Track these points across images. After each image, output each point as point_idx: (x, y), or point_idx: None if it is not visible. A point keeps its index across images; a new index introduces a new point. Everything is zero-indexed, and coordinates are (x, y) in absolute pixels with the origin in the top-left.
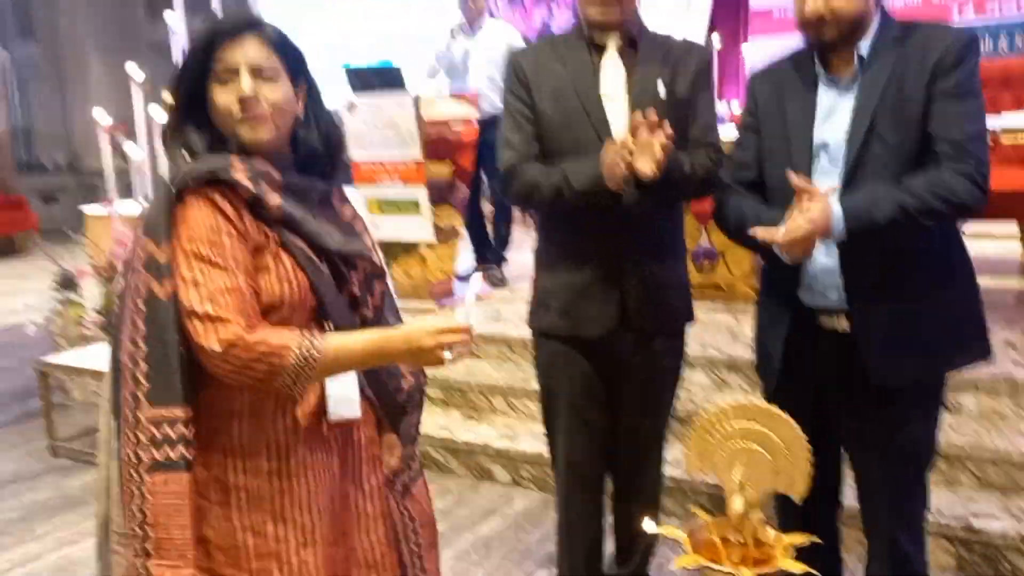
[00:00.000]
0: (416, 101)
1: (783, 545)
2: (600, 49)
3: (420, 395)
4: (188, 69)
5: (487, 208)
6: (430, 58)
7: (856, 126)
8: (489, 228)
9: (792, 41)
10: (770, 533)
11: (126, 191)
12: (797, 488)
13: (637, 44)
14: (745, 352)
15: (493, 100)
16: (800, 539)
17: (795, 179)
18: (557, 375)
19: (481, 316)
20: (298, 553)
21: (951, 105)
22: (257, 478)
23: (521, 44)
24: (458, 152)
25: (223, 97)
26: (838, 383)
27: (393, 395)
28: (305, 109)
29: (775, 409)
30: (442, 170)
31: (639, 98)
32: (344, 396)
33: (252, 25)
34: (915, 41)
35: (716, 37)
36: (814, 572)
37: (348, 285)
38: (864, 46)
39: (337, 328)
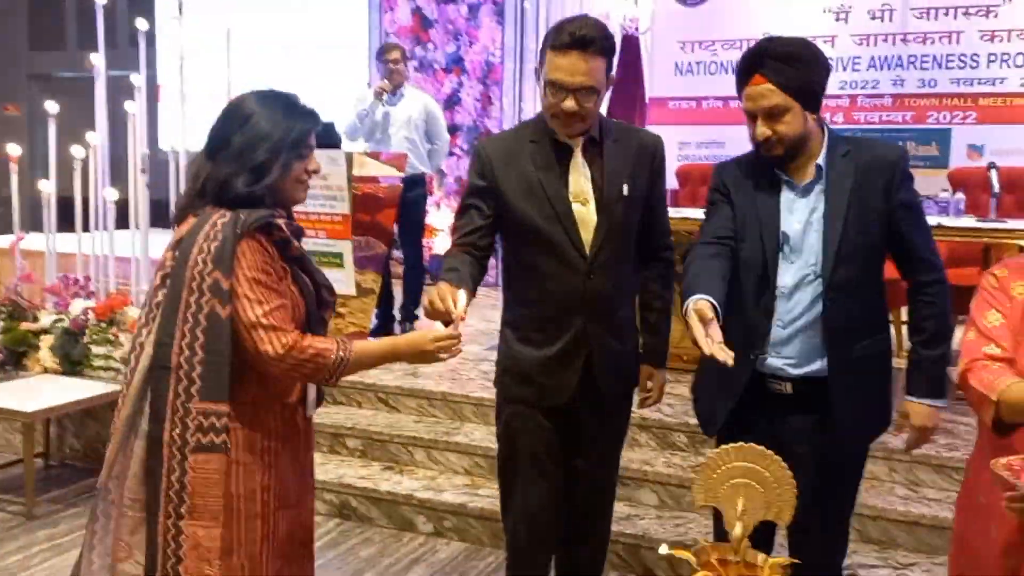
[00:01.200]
0: (349, 158)
1: (769, 565)
2: (567, 148)
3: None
4: (286, 142)
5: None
6: (348, 118)
7: (829, 228)
8: (396, 286)
9: (687, 131)
10: (758, 555)
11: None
12: (784, 517)
13: (601, 142)
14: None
15: (412, 161)
16: (783, 560)
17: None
18: (520, 434)
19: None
20: (275, 514)
21: (910, 217)
22: (252, 455)
23: (437, 110)
24: (381, 211)
25: (301, 169)
26: (788, 442)
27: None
28: None
29: (767, 451)
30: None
31: (607, 200)
32: (314, 397)
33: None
34: (864, 155)
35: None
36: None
37: (324, 311)
38: (821, 157)
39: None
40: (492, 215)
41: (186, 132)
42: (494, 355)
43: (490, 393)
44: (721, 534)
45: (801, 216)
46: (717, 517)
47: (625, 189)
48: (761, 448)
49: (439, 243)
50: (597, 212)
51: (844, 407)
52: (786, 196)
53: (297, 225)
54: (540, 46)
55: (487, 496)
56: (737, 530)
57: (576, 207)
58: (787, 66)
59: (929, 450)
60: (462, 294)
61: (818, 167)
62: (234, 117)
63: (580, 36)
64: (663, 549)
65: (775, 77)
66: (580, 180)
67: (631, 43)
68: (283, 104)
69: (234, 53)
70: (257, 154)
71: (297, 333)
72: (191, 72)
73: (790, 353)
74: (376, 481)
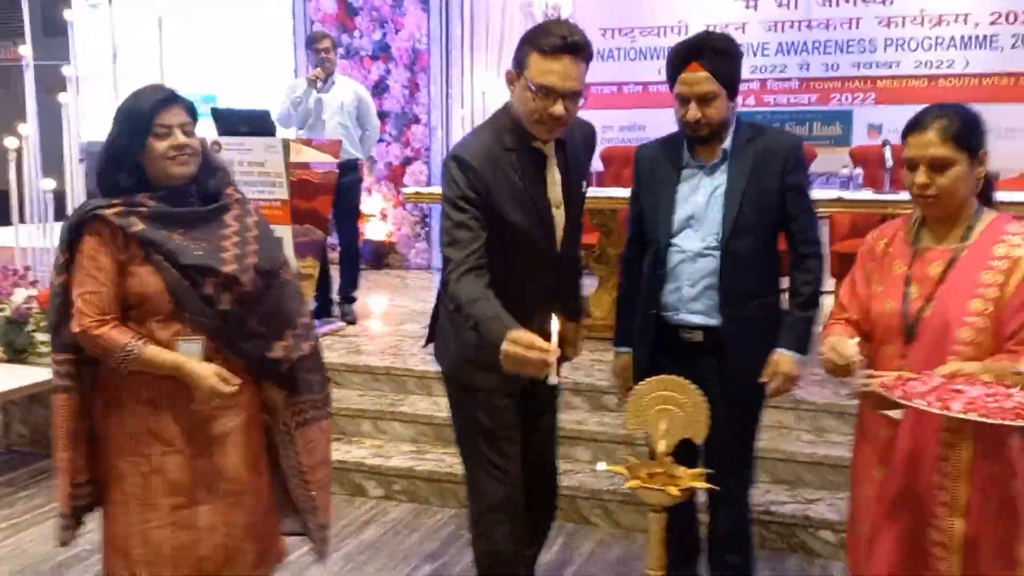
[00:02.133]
0: (285, 145)
1: (688, 475)
2: (542, 154)
3: (300, 362)
4: (135, 128)
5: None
6: (281, 106)
7: (729, 205)
8: (334, 270)
9: (609, 115)
10: (679, 468)
11: None
12: (699, 435)
13: (564, 142)
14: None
15: (345, 147)
16: (698, 471)
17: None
18: (497, 424)
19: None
20: (162, 456)
21: (799, 201)
22: (136, 402)
23: (368, 97)
24: (317, 197)
25: (161, 146)
26: (699, 382)
27: (261, 360)
28: (203, 153)
29: (686, 382)
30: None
31: (572, 199)
32: (190, 353)
33: (177, 96)
34: (764, 142)
35: None
36: (714, 487)
37: (201, 288)
38: (727, 142)
39: (192, 316)
40: (485, 226)
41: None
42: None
43: (433, 367)
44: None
45: (706, 192)
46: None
47: (584, 186)
48: (679, 379)
49: (371, 228)
50: (565, 210)
51: (739, 354)
52: (690, 176)
53: (158, 209)
54: (518, 46)
55: (433, 460)
56: (661, 447)
57: (555, 212)
58: (721, 58)
59: (833, 399)
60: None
61: (724, 150)
62: (113, 117)
63: (572, 42)
64: (600, 466)
65: (710, 66)
66: (555, 187)
67: None
68: (133, 96)
69: (155, 41)
70: (109, 147)
71: (96, 319)
72: (108, 63)
73: (698, 308)
74: None
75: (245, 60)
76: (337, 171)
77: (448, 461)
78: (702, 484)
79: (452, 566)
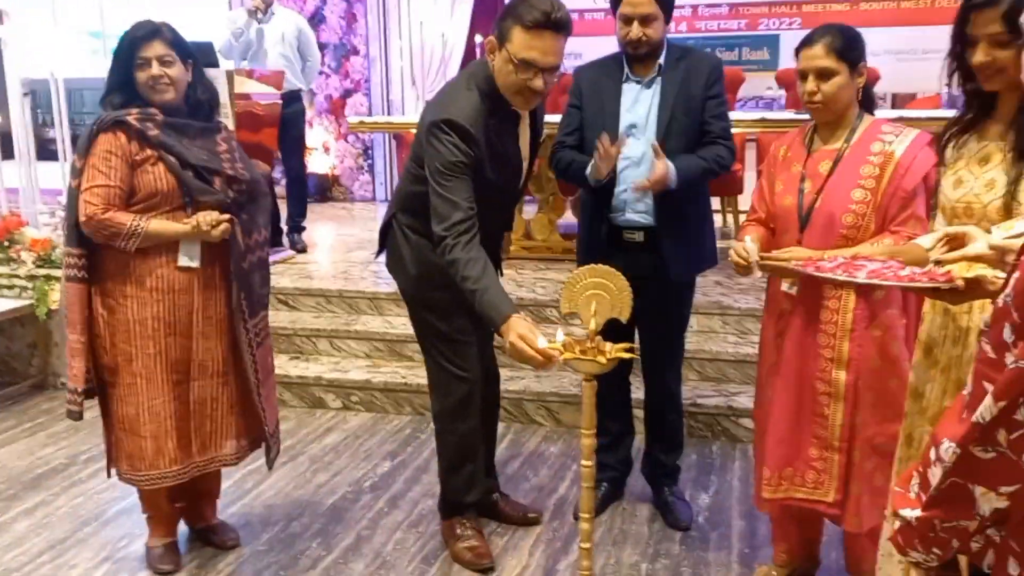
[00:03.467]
0: (229, 76)
1: (616, 349)
2: (517, 114)
3: (257, 267)
4: (119, 61)
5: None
6: (222, 37)
7: (662, 110)
8: (281, 204)
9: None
10: (607, 345)
11: None
12: (624, 314)
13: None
14: (552, 292)
15: (288, 77)
16: (624, 345)
17: (656, 145)
18: (446, 322)
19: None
20: (166, 339)
21: (717, 107)
22: (142, 290)
23: (308, 29)
24: (262, 129)
25: (142, 76)
26: (638, 276)
27: (243, 253)
28: (192, 77)
29: (612, 269)
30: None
31: (534, 150)
32: (190, 254)
33: (156, 31)
34: (690, 61)
35: (478, 39)
36: (635, 355)
37: (211, 184)
38: (662, 60)
39: (199, 205)
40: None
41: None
42: (381, 259)
43: (383, 289)
44: None
45: (645, 104)
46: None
47: (542, 135)
48: (606, 267)
49: (314, 161)
50: (528, 159)
51: (671, 249)
52: (631, 89)
53: (170, 119)
54: (501, 18)
55: (388, 372)
56: (592, 325)
57: (523, 162)
58: None
59: (755, 305)
60: (554, 336)
61: (659, 66)
62: None
63: (556, 18)
64: (541, 342)
65: None
66: (525, 142)
67: None
68: (124, 32)
69: None
70: (108, 75)
71: (102, 207)
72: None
73: (641, 208)
74: (286, 368)
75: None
76: (280, 102)
77: (402, 373)
78: (626, 355)
79: (411, 461)
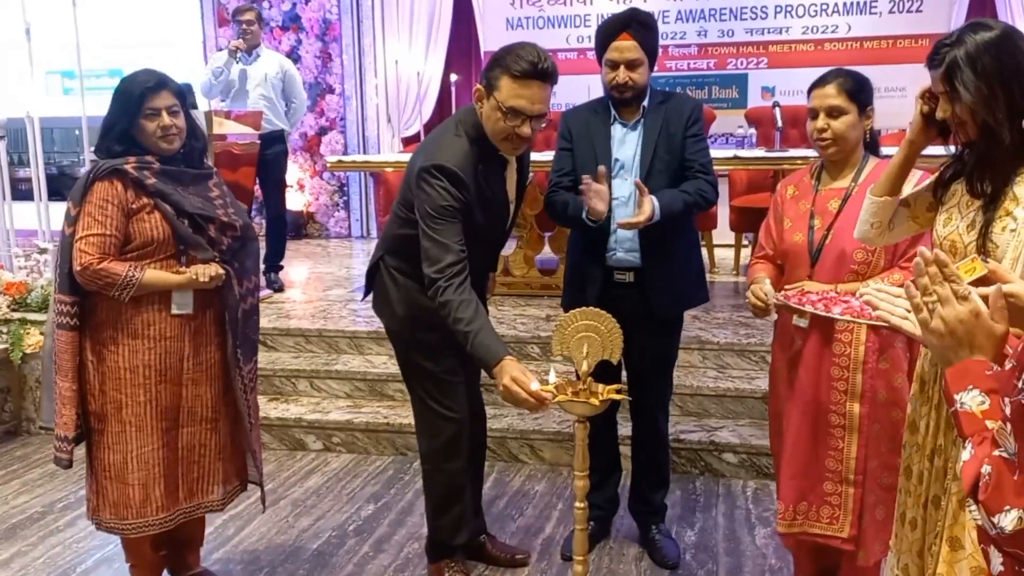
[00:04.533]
0: (208, 117)
1: (608, 391)
2: (504, 160)
3: (250, 313)
4: (126, 109)
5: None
6: (203, 77)
7: (645, 150)
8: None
9: None
10: (599, 385)
11: None
12: (615, 356)
13: None
14: (533, 328)
15: (270, 118)
16: (616, 387)
17: (639, 182)
18: (434, 362)
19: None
20: (156, 386)
21: (697, 144)
22: (134, 338)
23: (294, 70)
24: (239, 169)
25: (151, 125)
26: (628, 315)
27: (234, 315)
28: (187, 128)
29: (601, 311)
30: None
31: (521, 192)
32: (183, 302)
33: (165, 81)
34: (672, 103)
35: (453, 77)
36: (628, 397)
37: (205, 232)
38: (646, 103)
39: (194, 254)
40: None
41: (35, 98)
42: (357, 295)
43: (363, 327)
44: None
45: (631, 145)
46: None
47: (530, 178)
48: (596, 309)
49: (289, 199)
50: (515, 201)
51: (656, 284)
52: (618, 131)
53: (165, 167)
54: (488, 67)
55: (369, 412)
56: (583, 367)
57: (510, 205)
58: (646, 31)
59: (734, 339)
60: (547, 378)
61: (643, 108)
62: (112, 93)
63: (543, 68)
64: (534, 385)
65: (638, 37)
66: (512, 185)
67: (464, 0)
68: (128, 79)
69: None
70: (107, 120)
71: (97, 257)
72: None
73: (632, 247)
74: (265, 410)
75: (153, 33)
76: (259, 142)
77: (383, 413)
78: (617, 396)
79: (395, 503)
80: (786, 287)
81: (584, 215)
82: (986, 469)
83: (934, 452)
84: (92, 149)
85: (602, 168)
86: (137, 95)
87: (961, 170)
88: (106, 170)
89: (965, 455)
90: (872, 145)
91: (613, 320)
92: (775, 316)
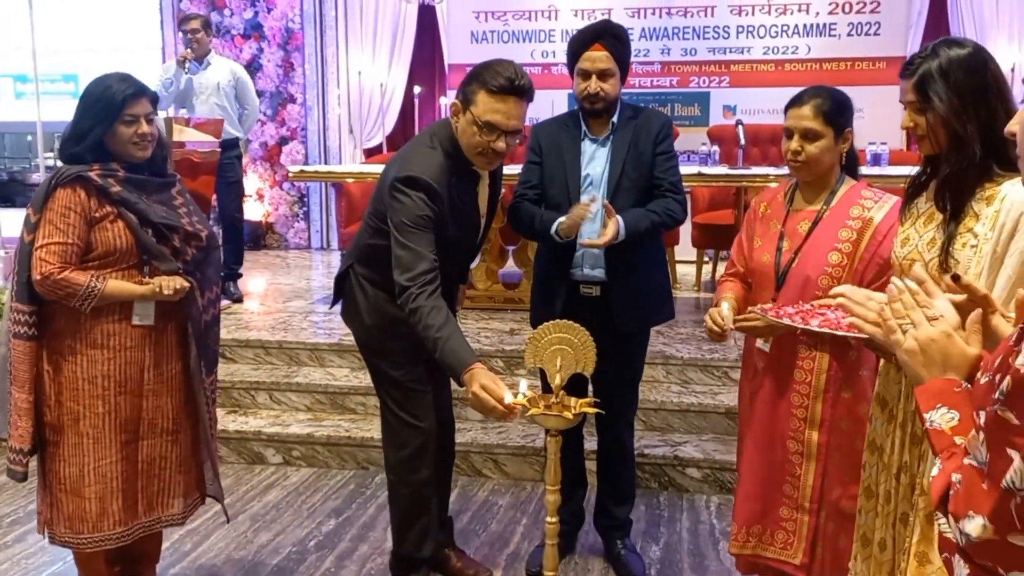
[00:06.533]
0: (169, 124)
1: (580, 404)
2: (477, 174)
3: (211, 325)
4: (105, 115)
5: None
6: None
7: (613, 167)
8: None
9: None
10: (571, 399)
11: None
12: (588, 368)
13: None
14: (497, 342)
15: (224, 126)
16: (588, 400)
17: (608, 204)
18: (401, 373)
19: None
20: (116, 397)
21: (667, 162)
22: (93, 348)
23: (246, 77)
24: (199, 177)
25: (127, 132)
26: (594, 330)
27: (197, 326)
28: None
29: (575, 324)
30: None
31: (493, 207)
32: (144, 313)
33: (144, 89)
34: (642, 119)
35: (417, 89)
36: (601, 410)
37: (169, 242)
38: (615, 118)
39: (157, 265)
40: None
41: None
42: (321, 307)
43: (324, 339)
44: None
45: (600, 161)
46: (543, 381)
47: (501, 191)
48: (569, 322)
49: (249, 209)
50: (487, 215)
51: (621, 300)
52: (588, 146)
53: (131, 176)
54: (466, 82)
55: (330, 425)
56: (556, 380)
57: (481, 219)
58: (618, 42)
59: (697, 355)
60: (519, 390)
61: (612, 123)
62: (80, 98)
63: (520, 85)
64: (508, 398)
65: (610, 48)
66: (484, 199)
67: (429, 13)
68: (102, 84)
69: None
70: (76, 125)
71: (58, 266)
72: None
73: (597, 263)
74: (224, 423)
75: (110, 38)
76: (219, 151)
77: (345, 426)
78: (590, 409)
79: (356, 518)
80: (749, 307)
81: (553, 231)
82: (956, 478)
83: (900, 470)
84: (56, 154)
85: (593, 195)
86: (119, 101)
87: (925, 183)
88: (69, 177)
89: (934, 471)
90: (850, 165)
91: (586, 333)
92: (731, 341)
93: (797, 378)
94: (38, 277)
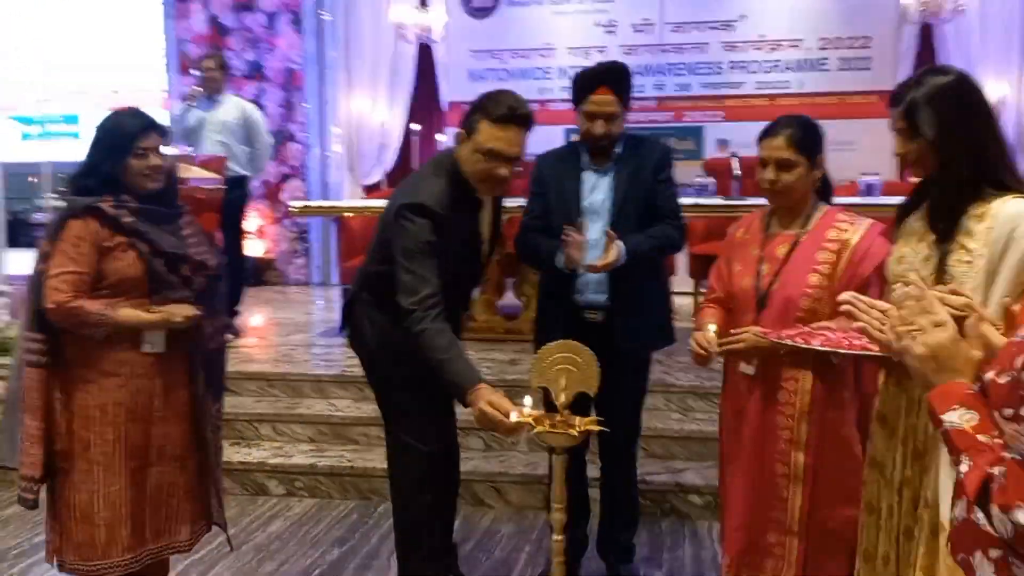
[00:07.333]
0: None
1: (584, 423)
2: (479, 201)
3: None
4: (116, 148)
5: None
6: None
7: (615, 196)
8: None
9: None
10: (576, 418)
11: None
12: (592, 388)
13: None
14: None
15: (229, 164)
16: (592, 419)
17: (609, 231)
18: (407, 397)
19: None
20: (125, 424)
21: (666, 189)
22: (105, 376)
23: (256, 115)
24: (202, 214)
25: (139, 164)
26: (597, 354)
27: (205, 353)
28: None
29: (579, 344)
30: None
31: (496, 234)
32: (154, 341)
33: (154, 122)
34: (644, 149)
35: (415, 127)
36: (605, 428)
37: (179, 271)
38: (618, 149)
39: (166, 295)
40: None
41: None
42: (322, 340)
43: (327, 370)
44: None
45: (602, 190)
46: (547, 401)
47: (503, 221)
48: (574, 342)
49: (248, 244)
50: (489, 242)
51: (624, 326)
52: (590, 176)
53: (144, 207)
54: (469, 111)
55: (333, 456)
56: (561, 399)
57: (483, 245)
58: (624, 84)
59: (696, 382)
60: (524, 406)
61: (614, 154)
62: (94, 133)
63: (521, 114)
64: (513, 416)
65: (616, 90)
66: (486, 225)
67: (427, 53)
68: (114, 119)
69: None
70: (89, 158)
71: (71, 295)
72: None
73: (601, 289)
74: (227, 454)
75: (116, 79)
76: (223, 188)
77: (348, 457)
78: (595, 427)
79: (360, 548)
80: (733, 330)
81: (559, 262)
82: (998, 471)
83: (903, 484)
84: (58, 191)
85: (582, 222)
86: (131, 134)
87: (917, 202)
88: (81, 208)
89: (963, 468)
90: (824, 192)
91: (591, 353)
92: (717, 363)
93: (781, 399)
94: (51, 306)
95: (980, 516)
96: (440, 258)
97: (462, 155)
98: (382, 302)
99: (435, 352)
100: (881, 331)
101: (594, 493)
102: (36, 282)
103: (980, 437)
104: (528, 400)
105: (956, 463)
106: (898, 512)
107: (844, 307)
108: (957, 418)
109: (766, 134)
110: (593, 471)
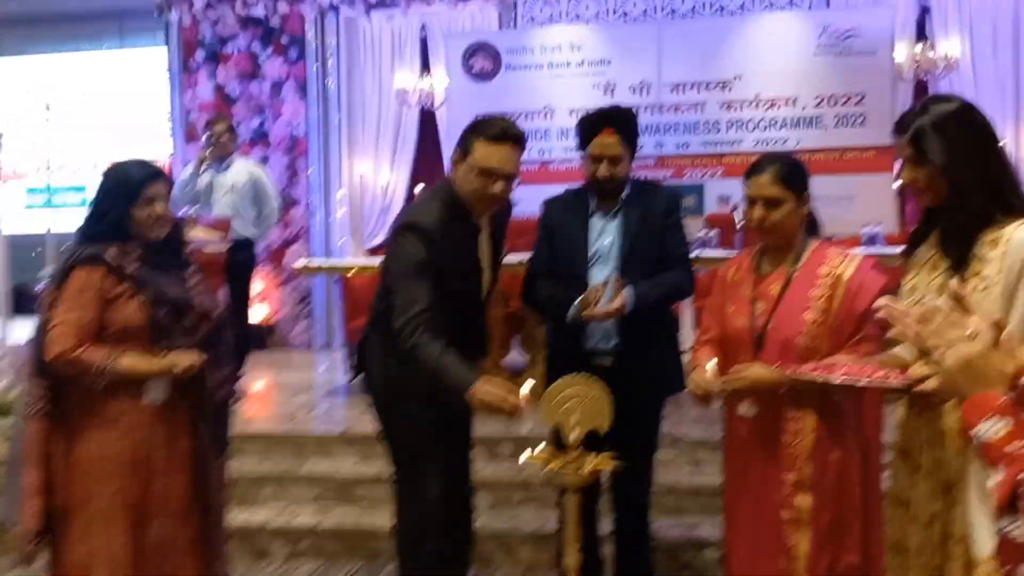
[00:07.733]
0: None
1: (597, 460)
2: (476, 225)
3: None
4: (123, 197)
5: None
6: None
7: (623, 241)
8: None
9: None
10: (588, 454)
11: None
12: (603, 424)
13: (493, 217)
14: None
15: (234, 227)
16: (608, 456)
17: (619, 277)
18: (414, 434)
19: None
20: (128, 477)
21: (675, 234)
22: (107, 431)
23: (264, 178)
24: (208, 274)
25: (144, 213)
26: None
27: (209, 404)
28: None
29: (591, 378)
30: None
31: (496, 262)
32: (157, 390)
33: (160, 172)
34: (650, 195)
35: (418, 188)
36: (619, 461)
37: (183, 320)
38: (625, 194)
39: (170, 342)
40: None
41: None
42: (327, 402)
43: (334, 428)
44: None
45: (610, 235)
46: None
47: (504, 250)
48: (584, 376)
49: (252, 311)
50: (490, 270)
51: (635, 370)
52: (597, 221)
53: (147, 255)
54: (464, 134)
55: (338, 515)
56: (573, 435)
57: (483, 272)
58: (628, 126)
59: (706, 435)
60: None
61: (622, 199)
62: (100, 182)
63: (514, 133)
64: (523, 457)
65: (620, 132)
66: (485, 252)
67: (429, 117)
68: (121, 169)
69: (35, 128)
70: (96, 207)
71: (73, 345)
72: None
73: (608, 335)
74: (228, 517)
75: (123, 147)
76: (227, 251)
77: (353, 516)
78: (609, 464)
79: None
80: (735, 367)
81: (569, 317)
82: None
83: (932, 520)
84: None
85: (611, 279)
86: (137, 182)
87: (927, 231)
88: (85, 257)
89: (998, 477)
90: (812, 227)
91: (601, 387)
92: (716, 404)
93: (784, 441)
94: (55, 354)
95: (1005, 524)
96: (438, 283)
97: (458, 176)
98: (389, 341)
99: (431, 359)
100: (919, 335)
101: (606, 552)
102: (39, 330)
103: (1007, 448)
104: (528, 384)
105: (993, 472)
106: (928, 549)
107: (880, 313)
108: (987, 428)
109: (752, 172)
110: (605, 527)
